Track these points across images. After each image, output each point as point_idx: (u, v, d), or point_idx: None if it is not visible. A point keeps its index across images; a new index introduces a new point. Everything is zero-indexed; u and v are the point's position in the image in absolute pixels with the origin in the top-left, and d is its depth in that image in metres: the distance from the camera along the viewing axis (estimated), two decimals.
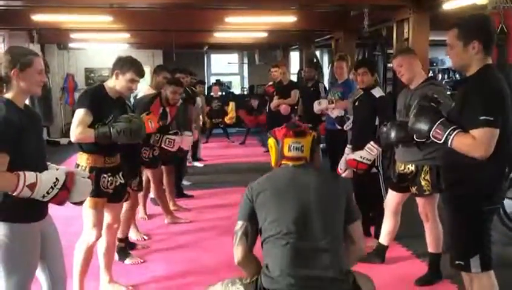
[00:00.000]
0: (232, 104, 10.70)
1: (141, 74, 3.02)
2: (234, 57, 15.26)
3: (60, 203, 2.16)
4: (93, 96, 2.92)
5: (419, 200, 3.26)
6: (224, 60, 15.34)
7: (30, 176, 2.01)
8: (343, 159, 3.97)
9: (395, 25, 6.45)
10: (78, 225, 2.97)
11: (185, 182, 6.18)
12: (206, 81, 13.46)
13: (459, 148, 2.16)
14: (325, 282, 1.86)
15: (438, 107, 2.32)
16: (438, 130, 2.19)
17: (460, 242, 2.28)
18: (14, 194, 1.98)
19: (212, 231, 4.55)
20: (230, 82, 14.88)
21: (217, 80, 13.77)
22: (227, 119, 10.51)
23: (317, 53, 13.72)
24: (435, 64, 13.30)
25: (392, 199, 3.43)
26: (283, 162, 2.09)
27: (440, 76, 13.65)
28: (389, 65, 7.68)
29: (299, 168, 2.06)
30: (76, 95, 11.70)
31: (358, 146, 3.78)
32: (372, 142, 3.61)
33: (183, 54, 11.35)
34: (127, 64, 2.96)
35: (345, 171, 3.91)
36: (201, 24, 8.33)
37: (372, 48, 9.12)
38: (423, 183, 3.12)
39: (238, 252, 2.01)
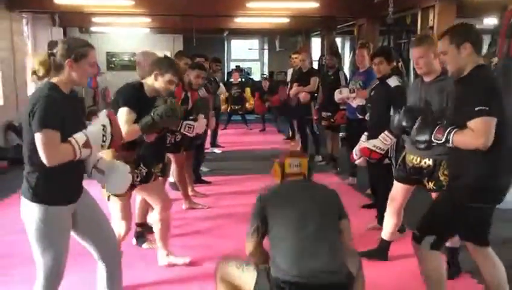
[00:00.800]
0: (247, 90, 10.65)
1: (179, 75, 3.09)
2: (254, 42, 15.16)
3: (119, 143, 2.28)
4: (135, 95, 2.94)
5: (436, 196, 3.16)
6: (244, 46, 15.26)
7: (79, 137, 2.07)
8: (357, 146, 3.91)
9: (420, 12, 6.31)
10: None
11: (203, 168, 6.20)
12: (226, 66, 13.43)
13: (461, 143, 2.26)
14: (327, 274, 2.11)
15: (435, 116, 2.51)
16: (438, 134, 2.33)
17: (432, 220, 2.49)
18: (76, 159, 2.05)
19: (230, 217, 4.55)
20: (250, 68, 14.82)
21: (236, 66, 13.70)
22: (248, 105, 10.48)
23: (339, 40, 13.54)
24: None
25: (399, 193, 3.30)
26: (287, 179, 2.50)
27: None
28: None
29: (299, 182, 2.47)
30: (99, 79, 11.93)
31: (373, 136, 3.71)
32: (386, 132, 3.48)
33: (203, 39, 11.32)
34: (165, 66, 2.98)
35: (359, 158, 3.85)
36: (222, 9, 8.28)
37: (398, 35, 8.93)
38: (442, 178, 2.97)
39: (249, 245, 2.34)
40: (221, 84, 6.93)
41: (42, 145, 2.00)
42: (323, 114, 6.34)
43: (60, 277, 2.28)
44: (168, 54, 12.98)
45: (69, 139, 2.04)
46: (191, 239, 4.02)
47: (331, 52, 7.21)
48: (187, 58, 4.74)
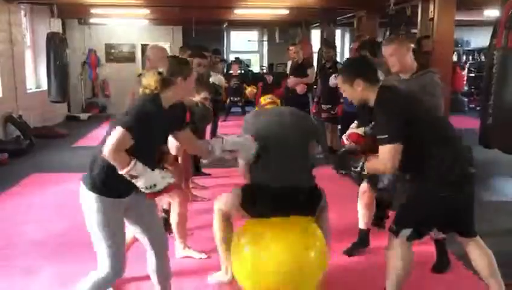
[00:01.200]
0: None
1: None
2: (254, 34, 15.10)
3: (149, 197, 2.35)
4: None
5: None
6: (243, 38, 15.20)
7: (138, 169, 2.16)
8: (348, 131, 3.94)
9: (420, 4, 6.28)
10: None
11: (203, 160, 6.18)
12: (225, 58, 13.38)
13: (373, 169, 2.64)
14: (298, 189, 2.65)
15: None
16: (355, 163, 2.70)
17: (407, 213, 2.56)
18: (121, 172, 2.15)
19: None
20: (249, 60, 14.77)
21: (236, 58, 13.66)
22: (248, 92, 10.50)
23: (339, 32, 13.49)
24: (460, 45, 12.98)
25: (368, 186, 3.37)
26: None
27: (464, 57, 13.33)
28: (412, 46, 7.49)
29: (275, 108, 3.09)
30: (100, 70, 11.91)
31: (361, 126, 3.75)
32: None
33: (202, 31, 11.27)
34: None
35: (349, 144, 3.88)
36: (222, 0, 8.24)
37: (396, 27, 8.90)
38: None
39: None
40: (220, 76, 6.91)
41: (114, 139, 2.11)
42: (323, 106, 6.33)
43: (122, 268, 2.35)
44: (167, 46, 12.97)
45: (133, 160, 2.14)
46: (190, 231, 4.02)
47: (326, 44, 7.17)
48: (190, 50, 4.74)
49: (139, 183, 2.19)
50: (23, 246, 3.64)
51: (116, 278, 2.37)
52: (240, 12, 9.68)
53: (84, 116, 11.12)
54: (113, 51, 12.30)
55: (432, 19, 5.94)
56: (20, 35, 8.53)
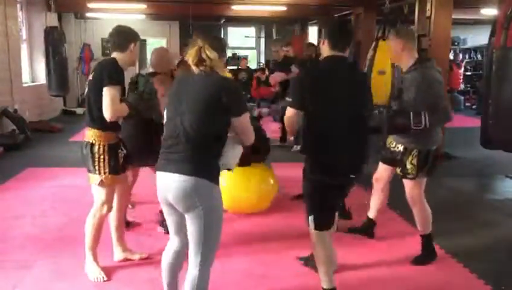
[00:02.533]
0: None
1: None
2: (251, 30, 15.08)
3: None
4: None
5: (406, 183, 3.19)
6: (241, 34, 15.17)
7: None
8: None
9: (418, 2, 6.28)
10: (91, 196, 2.99)
11: None
12: None
13: None
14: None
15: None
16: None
17: (306, 204, 2.70)
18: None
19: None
20: (247, 56, 14.76)
21: (233, 54, 13.66)
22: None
23: None
24: (456, 43, 13.00)
25: (382, 173, 3.45)
26: None
27: (461, 56, 13.35)
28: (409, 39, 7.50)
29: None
30: (92, 65, 11.83)
31: None
32: None
33: (199, 26, 11.23)
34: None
35: None
36: None
37: (395, 24, 8.91)
38: (408, 166, 3.09)
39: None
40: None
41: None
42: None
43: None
44: (164, 41, 12.93)
45: None
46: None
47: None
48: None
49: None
50: (18, 240, 3.63)
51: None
52: (237, 8, 9.65)
53: (80, 110, 11.05)
54: (109, 45, 12.23)
55: (429, 17, 5.95)
56: (16, 28, 8.47)
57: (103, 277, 2.95)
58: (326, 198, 2.60)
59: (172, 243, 2.37)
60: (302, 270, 3.13)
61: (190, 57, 2.16)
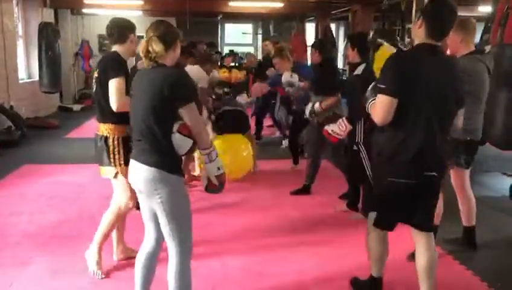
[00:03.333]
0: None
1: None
2: (248, 27, 15.05)
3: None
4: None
5: (452, 172, 3.33)
6: (238, 30, 15.14)
7: (216, 153, 2.27)
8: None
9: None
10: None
11: None
12: (219, 50, 13.30)
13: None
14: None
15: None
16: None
17: (367, 198, 2.71)
18: (199, 149, 2.24)
19: (226, 197, 4.53)
20: (244, 53, 14.73)
21: (230, 50, 13.61)
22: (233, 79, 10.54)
23: (334, 26, 13.47)
24: None
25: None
26: None
27: None
28: (407, 40, 7.51)
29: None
30: (92, 61, 11.78)
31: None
32: (343, 118, 3.68)
33: (197, 23, 11.22)
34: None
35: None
36: None
37: (392, 21, 8.91)
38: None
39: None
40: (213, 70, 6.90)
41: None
42: None
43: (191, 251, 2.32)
44: None
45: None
46: (195, 219, 3.99)
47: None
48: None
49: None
50: (14, 237, 3.62)
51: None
52: (234, 5, 9.63)
53: (76, 107, 11.04)
54: (106, 42, 12.18)
55: None
56: (12, 24, 8.43)
57: (100, 274, 2.96)
58: (402, 201, 2.41)
59: (147, 236, 2.42)
60: (301, 268, 3.14)
61: (140, 48, 2.21)
